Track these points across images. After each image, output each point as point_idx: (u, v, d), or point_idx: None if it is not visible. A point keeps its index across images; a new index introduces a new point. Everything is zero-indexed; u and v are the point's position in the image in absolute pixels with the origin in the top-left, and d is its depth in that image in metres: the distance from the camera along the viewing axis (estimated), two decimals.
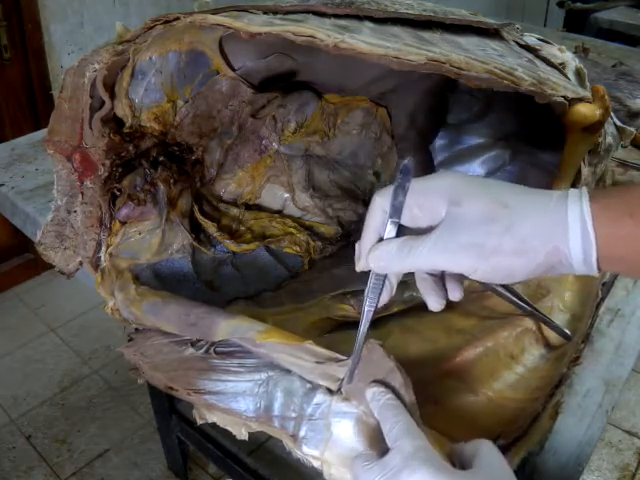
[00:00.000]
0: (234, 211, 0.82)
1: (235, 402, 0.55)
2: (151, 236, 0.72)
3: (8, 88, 1.86)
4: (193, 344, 0.60)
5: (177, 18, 0.60)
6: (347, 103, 0.86)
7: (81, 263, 0.71)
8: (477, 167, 0.91)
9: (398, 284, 0.50)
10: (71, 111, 0.65)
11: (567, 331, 0.69)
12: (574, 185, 0.69)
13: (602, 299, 0.78)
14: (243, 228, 0.81)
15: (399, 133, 0.91)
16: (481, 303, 0.72)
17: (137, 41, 0.64)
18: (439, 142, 0.94)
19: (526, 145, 0.87)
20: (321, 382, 0.52)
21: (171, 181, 0.73)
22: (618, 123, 0.85)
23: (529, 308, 0.68)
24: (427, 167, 0.92)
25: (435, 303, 0.49)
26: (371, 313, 0.49)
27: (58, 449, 1.59)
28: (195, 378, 0.58)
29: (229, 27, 0.57)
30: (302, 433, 0.52)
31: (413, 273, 0.49)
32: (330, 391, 0.52)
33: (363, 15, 0.63)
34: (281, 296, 0.77)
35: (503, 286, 0.67)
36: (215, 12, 0.59)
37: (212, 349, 0.59)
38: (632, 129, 0.97)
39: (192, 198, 0.76)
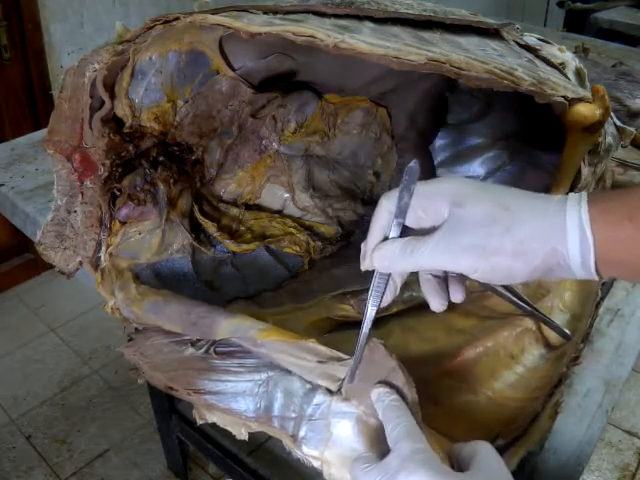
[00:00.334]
0: (234, 211, 0.82)
1: (235, 402, 0.55)
2: (151, 236, 0.72)
3: (8, 88, 1.86)
4: (193, 344, 0.60)
5: (177, 18, 0.60)
6: (347, 103, 0.86)
7: (81, 263, 0.71)
8: (477, 167, 0.91)
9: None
10: (71, 111, 0.65)
11: (567, 331, 0.69)
12: (574, 185, 0.69)
13: (602, 299, 0.78)
14: (243, 228, 0.82)
15: (399, 133, 0.91)
16: (481, 303, 0.72)
17: (137, 41, 0.64)
18: (439, 142, 0.94)
19: (526, 145, 0.87)
20: (321, 382, 0.52)
21: (171, 181, 0.73)
22: (618, 123, 0.85)
23: (529, 308, 0.68)
24: (427, 167, 0.92)
25: (438, 304, 0.49)
26: (374, 312, 0.49)
27: (58, 449, 1.59)
28: (195, 378, 0.58)
29: (229, 27, 0.57)
30: (302, 433, 0.52)
31: (415, 272, 0.49)
32: (330, 391, 0.52)
33: (363, 15, 0.63)
34: (281, 296, 0.77)
35: (503, 286, 0.67)
36: (215, 12, 0.59)
37: (212, 349, 0.59)
38: (632, 129, 0.96)
39: (192, 198, 0.76)
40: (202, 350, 0.59)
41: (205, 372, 0.58)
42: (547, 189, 0.71)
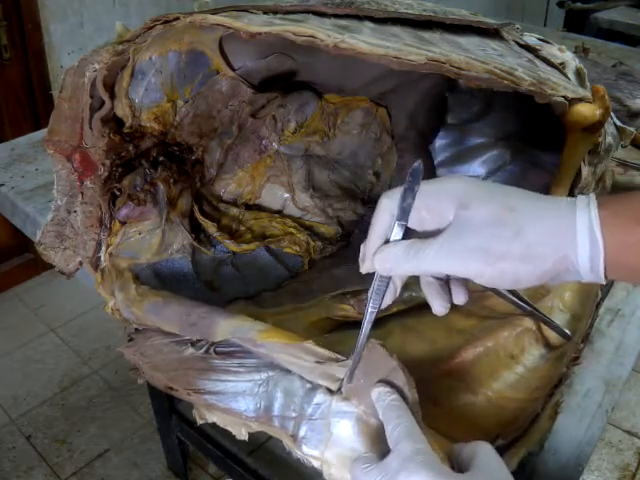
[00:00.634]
0: (234, 211, 0.82)
1: (235, 402, 0.55)
2: (151, 236, 0.72)
3: (8, 88, 1.86)
4: (193, 344, 0.60)
5: (177, 18, 0.60)
6: (347, 103, 0.86)
7: (81, 263, 0.71)
8: (477, 167, 0.91)
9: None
10: (71, 111, 0.65)
11: (567, 331, 0.69)
12: (574, 185, 0.69)
13: (602, 299, 0.78)
14: (243, 228, 0.82)
15: (399, 133, 0.91)
16: (481, 303, 0.72)
17: (137, 41, 0.64)
18: (439, 142, 0.94)
19: (526, 145, 0.87)
20: (321, 382, 0.52)
21: (171, 181, 0.73)
22: (618, 123, 0.85)
23: (529, 308, 0.68)
24: (427, 167, 0.92)
25: (440, 307, 0.48)
26: (374, 315, 0.49)
27: (58, 449, 1.59)
28: (195, 378, 0.58)
29: (229, 27, 0.57)
30: (302, 433, 0.52)
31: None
32: (330, 391, 0.52)
33: (363, 15, 0.63)
34: (281, 296, 0.77)
35: None
36: (215, 12, 0.59)
37: (212, 349, 0.59)
38: (632, 129, 0.96)
39: (192, 198, 0.76)
40: (202, 350, 0.59)
41: (205, 372, 0.58)
42: (548, 189, 0.71)
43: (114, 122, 0.68)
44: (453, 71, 0.55)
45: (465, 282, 0.49)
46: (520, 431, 0.57)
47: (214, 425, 0.58)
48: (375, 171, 0.91)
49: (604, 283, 0.43)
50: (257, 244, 0.80)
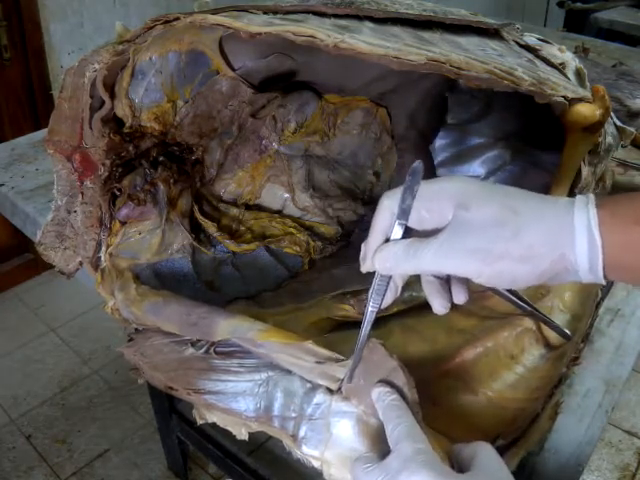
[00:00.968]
0: (234, 211, 0.82)
1: (235, 402, 0.55)
2: (151, 236, 0.72)
3: (8, 88, 1.86)
4: (193, 344, 0.60)
5: (177, 18, 0.60)
6: (347, 103, 0.86)
7: (81, 263, 0.71)
8: (477, 167, 0.91)
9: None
10: (71, 111, 0.65)
11: (567, 331, 0.69)
12: (574, 185, 0.69)
13: (602, 299, 0.78)
14: (243, 228, 0.82)
15: (399, 133, 0.91)
16: (481, 303, 0.72)
17: (137, 41, 0.64)
18: (439, 142, 0.94)
19: (526, 145, 0.87)
20: (321, 382, 0.52)
21: (171, 181, 0.73)
22: (618, 123, 0.85)
23: (529, 308, 0.68)
24: (427, 167, 0.92)
25: (440, 306, 0.49)
26: (374, 314, 0.49)
27: (58, 449, 1.59)
28: (195, 378, 0.58)
29: (229, 27, 0.57)
30: (302, 433, 0.52)
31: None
32: (330, 391, 0.52)
33: (363, 15, 0.63)
34: (281, 296, 0.77)
35: None
36: (215, 12, 0.59)
37: (212, 349, 0.59)
38: (632, 129, 0.96)
39: (192, 198, 0.76)
40: (202, 350, 0.59)
41: (205, 372, 0.58)
42: (548, 188, 0.71)
43: (114, 122, 0.68)
44: (453, 71, 0.55)
45: (466, 282, 0.49)
46: (520, 431, 0.57)
47: (214, 425, 0.58)
48: (375, 171, 0.91)
49: (604, 284, 0.43)
50: (257, 244, 0.80)
